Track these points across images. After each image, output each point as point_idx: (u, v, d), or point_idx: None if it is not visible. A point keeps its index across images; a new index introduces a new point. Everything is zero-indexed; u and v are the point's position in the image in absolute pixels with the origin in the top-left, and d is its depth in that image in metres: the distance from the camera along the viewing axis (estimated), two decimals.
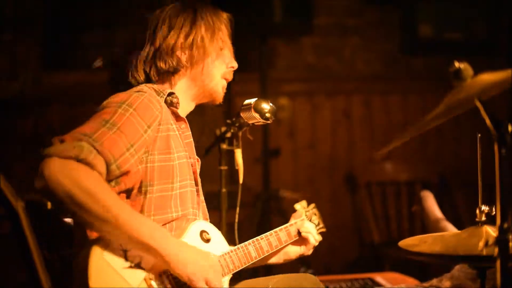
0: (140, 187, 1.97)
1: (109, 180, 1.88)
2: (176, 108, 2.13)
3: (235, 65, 2.25)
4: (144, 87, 2.10)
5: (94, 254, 1.80)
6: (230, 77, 2.25)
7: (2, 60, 4.57)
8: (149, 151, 1.97)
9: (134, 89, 2.07)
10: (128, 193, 1.97)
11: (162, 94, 2.10)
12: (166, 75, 2.16)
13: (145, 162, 1.97)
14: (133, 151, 1.90)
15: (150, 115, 1.97)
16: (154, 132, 1.98)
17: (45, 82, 4.59)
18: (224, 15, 2.26)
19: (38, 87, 4.57)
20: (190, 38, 2.14)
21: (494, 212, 1.90)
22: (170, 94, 2.12)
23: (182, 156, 2.08)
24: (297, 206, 2.48)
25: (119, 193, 1.94)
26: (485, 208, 1.97)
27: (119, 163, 1.87)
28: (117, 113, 1.92)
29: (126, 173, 1.90)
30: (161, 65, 2.13)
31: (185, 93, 2.19)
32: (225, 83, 2.24)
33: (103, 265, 1.81)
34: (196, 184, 2.17)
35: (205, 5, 2.25)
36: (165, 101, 2.10)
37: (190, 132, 2.18)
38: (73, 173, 1.77)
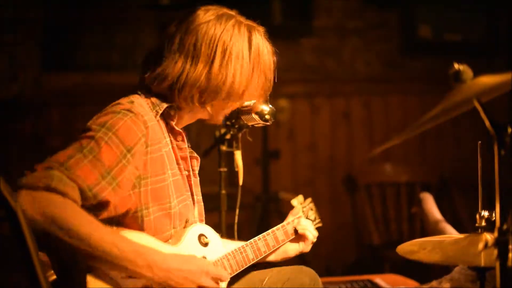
0: (135, 212, 1.90)
1: (89, 206, 1.78)
2: (172, 120, 2.04)
3: (250, 103, 2.16)
4: (137, 98, 1.99)
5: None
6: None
7: (2, 62, 4.57)
8: (141, 175, 1.89)
9: (123, 104, 1.95)
10: (122, 218, 1.90)
11: (158, 107, 2.00)
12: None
13: (138, 187, 1.89)
14: (109, 178, 1.80)
15: (132, 138, 1.86)
16: (140, 155, 1.88)
17: (45, 83, 4.59)
18: (270, 48, 2.10)
19: (37, 89, 4.57)
20: (216, 74, 1.98)
21: (494, 218, 1.89)
22: (168, 107, 2.02)
23: (176, 172, 2.02)
24: (294, 201, 2.47)
25: (109, 217, 1.86)
26: (485, 213, 1.96)
27: (95, 191, 1.77)
28: (95, 138, 1.82)
29: (105, 201, 1.81)
30: (175, 96, 2.00)
31: (188, 114, 2.10)
32: (228, 111, 2.14)
33: (101, 273, 1.80)
34: (192, 194, 2.12)
35: (257, 30, 2.07)
36: (162, 113, 2.01)
37: (186, 145, 2.10)
38: (43, 206, 1.68)
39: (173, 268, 1.84)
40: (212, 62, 1.98)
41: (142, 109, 1.96)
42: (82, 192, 1.76)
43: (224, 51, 1.99)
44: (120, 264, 1.76)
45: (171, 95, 2.02)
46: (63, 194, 1.71)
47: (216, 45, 1.98)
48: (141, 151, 1.89)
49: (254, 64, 2.04)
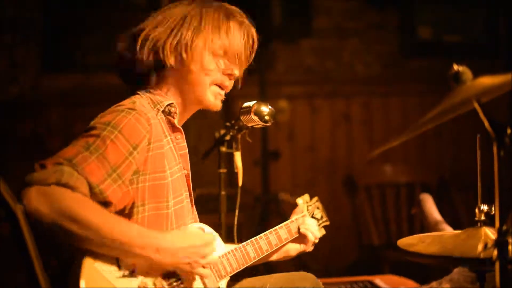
0: (131, 208, 1.92)
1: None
2: (173, 118, 2.07)
3: (235, 73, 2.13)
4: (138, 99, 2.04)
5: (85, 264, 1.78)
6: (224, 83, 2.12)
7: (1, 63, 4.57)
8: (140, 171, 1.91)
9: (125, 104, 1.99)
10: (119, 214, 1.89)
11: (159, 105, 2.04)
12: (159, 79, 2.10)
13: (135, 183, 1.91)
14: (115, 176, 1.84)
15: (137, 136, 1.90)
16: (143, 152, 1.91)
17: (44, 84, 4.59)
18: (239, 18, 2.12)
19: (37, 90, 4.57)
20: (180, 38, 2.05)
21: (493, 212, 1.89)
22: (169, 104, 2.06)
23: (175, 171, 2.03)
24: (299, 200, 2.45)
25: None
26: (484, 207, 1.96)
27: (101, 188, 1.81)
28: (101, 136, 1.85)
29: (110, 199, 1.84)
30: (145, 58, 2.07)
31: (177, 100, 2.11)
32: (217, 90, 2.12)
33: (95, 276, 1.79)
34: (190, 195, 2.14)
35: (216, 4, 2.12)
36: (163, 111, 2.05)
37: (186, 143, 2.12)
38: (54, 200, 1.72)
39: (178, 247, 1.87)
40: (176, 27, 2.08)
41: (144, 108, 2.00)
42: (90, 187, 1.80)
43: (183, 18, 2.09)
44: (130, 250, 1.80)
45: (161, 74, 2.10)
46: (73, 188, 1.76)
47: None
48: (144, 148, 1.92)
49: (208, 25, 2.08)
